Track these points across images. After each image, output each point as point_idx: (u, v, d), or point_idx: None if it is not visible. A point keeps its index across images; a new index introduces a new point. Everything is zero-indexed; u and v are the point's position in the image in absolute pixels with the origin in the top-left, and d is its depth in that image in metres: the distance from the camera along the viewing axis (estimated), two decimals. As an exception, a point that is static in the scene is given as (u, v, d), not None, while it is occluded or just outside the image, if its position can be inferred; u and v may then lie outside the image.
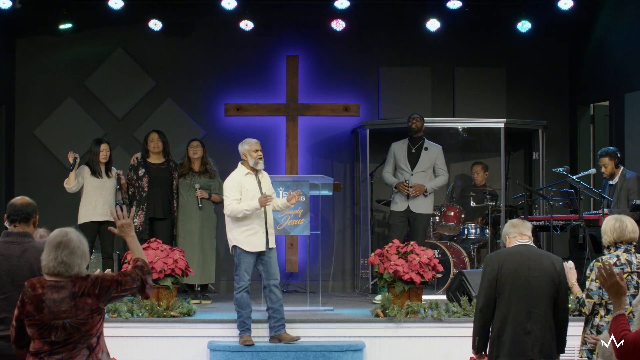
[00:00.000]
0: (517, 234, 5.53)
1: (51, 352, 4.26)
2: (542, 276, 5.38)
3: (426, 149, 9.59)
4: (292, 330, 7.72)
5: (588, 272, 5.66)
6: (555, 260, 5.48)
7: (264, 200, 7.49)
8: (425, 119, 9.74)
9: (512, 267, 5.41)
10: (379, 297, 9.09)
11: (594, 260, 5.69)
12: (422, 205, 9.47)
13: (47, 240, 4.37)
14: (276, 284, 7.62)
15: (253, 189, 7.65)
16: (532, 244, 5.55)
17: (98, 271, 4.50)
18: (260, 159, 7.68)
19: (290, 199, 7.69)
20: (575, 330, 6.39)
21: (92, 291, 4.31)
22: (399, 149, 9.65)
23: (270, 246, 7.65)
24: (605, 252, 5.67)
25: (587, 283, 5.59)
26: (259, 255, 7.62)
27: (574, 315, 6.37)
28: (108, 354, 4.48)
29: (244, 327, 7.62)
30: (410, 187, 9.38)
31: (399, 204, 9.50)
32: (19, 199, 5.14)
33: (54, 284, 4.29)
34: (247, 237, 7.58)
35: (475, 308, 5.58)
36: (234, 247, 7.65)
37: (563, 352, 5.53)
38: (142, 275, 4.50)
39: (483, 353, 5.52)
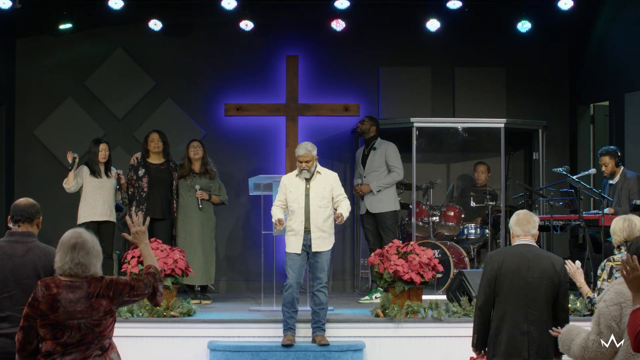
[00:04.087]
0: (522, 233, 5.50)
1: (64, 353, 4.25)
2: (541, 277, 5.37)
3: (374, 149, 9.65)
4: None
5: (599, 272, 5.65)
6: (555, 261, 5.46)
7: (277, 226, 7.57)
8: (425, 119, 9.70)
9: (512, 267, 5.40)
10: (366, 298, 9.22)
11: (605, 260, 5.68)
12: (378, 205, 9.52)
13: (60, 241, 4.37)
14: (319, 288, 7.61)
15: (297, 192, 7.63)
16: (534, 244, 5.53)
17: None
18: (304, 169, 7.60)
19: (337, 217, 7.63)
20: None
21: (107, 293, 4.31)
22: (359, 153, 9.88)
23: (314, 250, 7.61)
24: (616, 252, 5.67)
25: (599, 283, 5.58)
26: (308, 256, 7.66)
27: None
28: (119, 355, 4.48)
29: (286, 326, 7.64)
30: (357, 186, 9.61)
31: (360, 208, 9.76)
32: (22, 200, 5.19)
33: (70, 283, 4.29)
34: (287, 237, 7.70)
35: (474, 306, 5.58)
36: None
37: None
38: (155, 282, 4.51)
39: (482, 352, 5.52)
